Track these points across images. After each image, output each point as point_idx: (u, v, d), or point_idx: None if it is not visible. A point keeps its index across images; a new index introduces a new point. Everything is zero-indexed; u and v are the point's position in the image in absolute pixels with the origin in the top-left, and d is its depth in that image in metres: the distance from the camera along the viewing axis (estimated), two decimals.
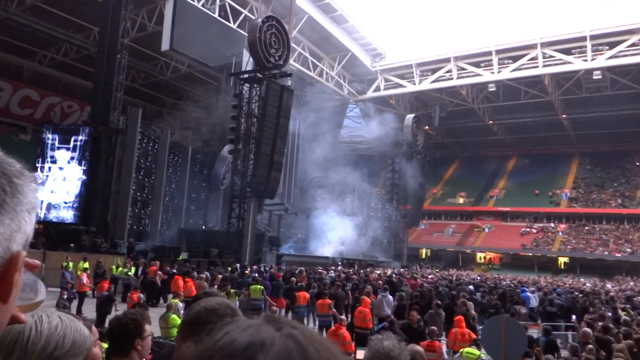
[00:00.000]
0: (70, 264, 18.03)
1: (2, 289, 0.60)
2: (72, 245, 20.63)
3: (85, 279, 15.80)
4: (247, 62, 30.34)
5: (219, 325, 1.58)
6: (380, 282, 18.80)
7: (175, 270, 18.43)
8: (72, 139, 25.16)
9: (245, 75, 29.84)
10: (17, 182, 0.62)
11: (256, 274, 17.75)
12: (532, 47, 44.89)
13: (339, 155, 49.10)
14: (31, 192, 0.64)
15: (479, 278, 29.89)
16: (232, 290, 13.67)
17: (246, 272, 20.03)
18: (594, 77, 44.58)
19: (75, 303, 14.65)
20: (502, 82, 48.41)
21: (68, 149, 24.95)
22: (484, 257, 57.12)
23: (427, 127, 56.12)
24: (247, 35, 30.02)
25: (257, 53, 28.19)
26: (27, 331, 1.17)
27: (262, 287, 14.68)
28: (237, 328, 0.58)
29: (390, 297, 14.18)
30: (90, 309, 13.82)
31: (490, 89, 49.14)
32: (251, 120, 29.62)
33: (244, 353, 0.53)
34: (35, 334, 1.18)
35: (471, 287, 20.23)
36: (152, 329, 2.75)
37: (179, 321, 8.52)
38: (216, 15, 33.71)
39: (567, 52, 43.77)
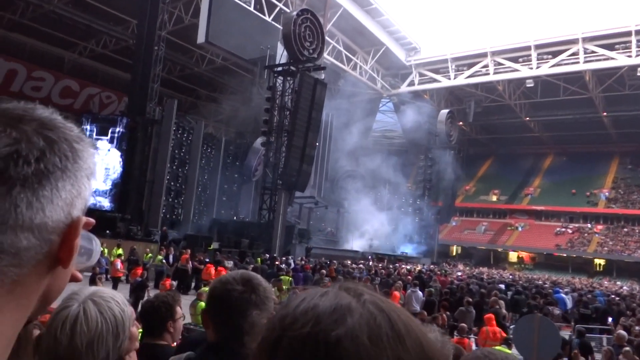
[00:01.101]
0: (105, 250, 18.45)
1: (63, 253, 0.61)
2: (107, 231, 21.12)
3: (119, 264, 16.14)
4: (282, 55, 30.48)
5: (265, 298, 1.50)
6: (409, 277, 18.69)
7: (207, 260, 18.68)
8: (110, 129, 25.74)
9: (279, 68, 29.96)
10: (77, 148, 0.62)
11: (284, 265, 18.18)
12: (574, 42, 43.63)
13: (371, 150, 48.95)
14: (90, 157, 0.64)
15: (510, 277, 29.52)
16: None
17: (276, 262, 20.26)
18: (639, 74, 43.03)
19: (109, 286, 14.95)
20: (540, 78, 47.30)
21: (106, 139, 25.55)
22: (517, 257, 56.32)
23: (461, 123, 55.41)
24: (281, 28, 30.15)
25: (291, 46, 28.27)
26: (75, 317, 1.25)
27: (290, 278, 14.78)
28: (313, 294, 0.56)
29: (420, 293, 14.13)
30: (124, 294, 14.00)
31: (527, 85, 48.14)
32: (284, 113, 29.71)
33: (330, 316, 0.52)
34: (83, 322, 1.24)
35: (502, 285, 19.96)
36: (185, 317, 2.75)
37: None
38: (251, 8, 33.81)
39: (610, 47, 42.36)
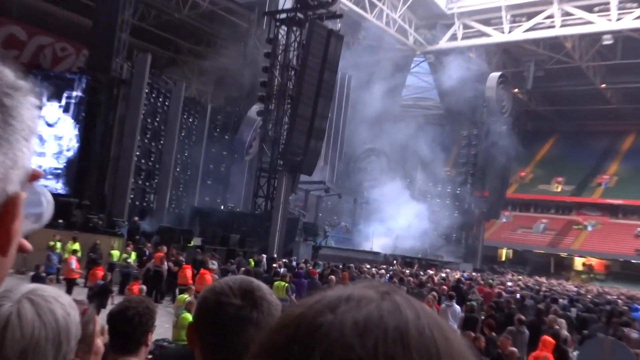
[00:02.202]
0: (58, 244, 18.55)
1: (0, 239, 0.61)
2: (60, 221, 21.15)
3: (74, 263, 16.22)
4: None
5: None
6: (444, 287, 18.73)
7: (184, 259, 18.86)
8: (65, 92, 25.79)
9: (283, 16, 29.96)
10: (8, 105, 0.59)
11: (283, 270, 18.05)
12: None
13: (399, 124, 48.99)
14: (28, 112, 0.61)
15: (576, 290, 29.50)
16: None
17: (274, 265, 20.34)
18: None
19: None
20: (621, 33, 46.82)
21: (60, 104, 25.64)
22: (584, 264, 56.29)
23: (516, 90, 55.08)
24: None
25: None
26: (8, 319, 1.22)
27: (286, 285, 14.73)
28: (332, 289, 0.63)
29: (457, 308, 14.15)
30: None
31: (605, 42, 47.57)
32: (288, 74, 29.68)
33: (327, 304, 0.58)
34: (16, 326, 1.22)
35: (565, 300, 19.94)
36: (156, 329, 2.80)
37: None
38: None
39: None
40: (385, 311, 0.56)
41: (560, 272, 54.46)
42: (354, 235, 43.15)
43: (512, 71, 53.17)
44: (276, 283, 14.85)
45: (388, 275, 23.26)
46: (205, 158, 35.67)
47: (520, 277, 40.27)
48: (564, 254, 56.54)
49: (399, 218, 42.52)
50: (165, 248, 19.03)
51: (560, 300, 19.69)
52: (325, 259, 28.96)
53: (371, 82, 43.20)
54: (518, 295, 20.26)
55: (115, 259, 19.11)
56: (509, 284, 27.13)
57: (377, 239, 41.49)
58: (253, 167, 33.82)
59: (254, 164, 33.65)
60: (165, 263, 18.04)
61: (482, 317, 13.85)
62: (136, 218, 25.63)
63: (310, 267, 21.33)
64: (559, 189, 63.47)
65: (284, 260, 23.70)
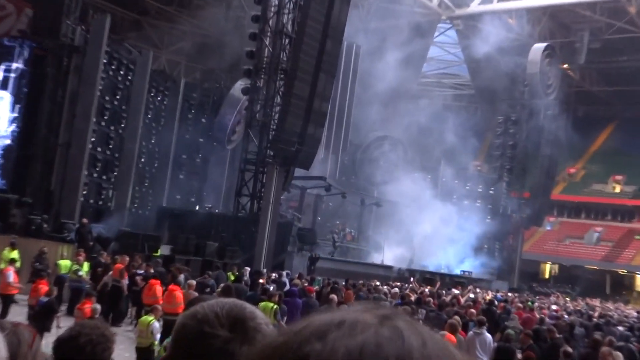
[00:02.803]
0: None
1: None
2: None
3: (11, 275, 16.06)
4: None
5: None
6: (473, 311, 18.54)
7: (153, 272, 18.80)
8: (2, 63, 25.59)
9: None
10: None
11: (272, 287, 18.02)
12: None
13: (419, 106, 48.64)
14: None
15: (637, 316, 29.53)
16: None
17: (260, 281, 20.27)
18: None
19: None
20: None
21: None
22: None
23: (566, 66, 55.18)
24: None
25: None
26: None
27: (275, 306, 14.63)
28: (328, 311, 0.64)
29: (489, 337, 14.10)
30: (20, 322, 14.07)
31: None
32: (281, 42, 29.63)
33: (315, 331, 0.59)
34: None
35: (623, 328, 19.94)
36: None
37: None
38: None
39: None
40: (384, 338, 0.56)
41: (618, 294, 54.07)
42: (361, 245, 43.31)
43: (561, 42, 53.14)
44: (262, 304, 14.52)
45: (403, 294, 23.16)
46: (177, 146, 35.63)
47: (567, 299, 40.70)
48: (622, 271, 56.33)
49: (417, 224, 42.44)
50: (126, 258, 18.94)
51: (618, 328, 19.70)
52: (324, 274, 28.85)
53: (385, 54, 43.05)
54: (565, 322, 20.13)
55: (63, 270, 18.89)
56: (554, 307, 27.12)
57: (389, 250, 41.49)
58: (236, 159, 33.80)
59: (237, 155, 33.63)
60: (126, 277, 17.93)
61: (520, 349, 13.81)
62: (85, 220, 25.14)
63: (306, 284, 21.14)
64: (618, 190, 63.34)
65: (273, 274, 23.67)
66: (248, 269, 23.11)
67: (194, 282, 16.30)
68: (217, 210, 35.32)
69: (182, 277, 17.05)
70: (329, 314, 0.61)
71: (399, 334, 0.57)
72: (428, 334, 0.59)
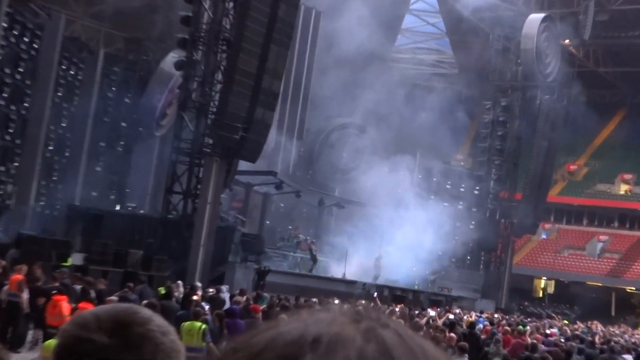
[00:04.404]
0: None
1: None
2: None
3: None
4: None
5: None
6: (452, 335, 18.69)
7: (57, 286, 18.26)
8: None
9: None
10: None
11: (207, 306, 18.27)
12: None
13: (392, 88, 48.74)
14: None
15: None
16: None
17: (194, 298, 20.16)
18: None
19: None
20: None
21: None
22: None
23: (567, 42, 55.62)
24: None
25: None
26: None
27: (202, 326, 14.73)
28: (294, 319, 0.63)
29: None
30: None
31: None
32: (223, 6, 29.71)
33: (282, 355, 0.57)
34: None
35: (630, 357, 20.12)
36: None
37: None
38: None
39: None
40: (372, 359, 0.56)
41: (624, 315, 54.17)
42: (319, 254, 42.61)
43: (561, 13, 53.66)
44: (187, 324, 14.88)
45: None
46: (93, 131, 35.59)
47: (565, 321, 41.33)
48: (631, 289, 56.75)
49: (387, 230, 42.98)
50: (24, 268, 18.60)
51: (624, 357, 19.80)
52: (273, 290, 29.02)
53: (350, 21, 42.72)
54: (561, 348, 20.17)
55: None
56: (549, 331, 27.33)
57: (353, 261, 41.55)
58: (167, 148, 33.85)
59: (168, 143, 33.71)
60: (26, 290, 17.65)
61: None
62: None
63: (251, 302, 21.24)
64: (624, 191, 64.07)
65: (210, 290, 23.65)
66: (180, 283, 23.37)
67: (112, 299, 16.18)
68: (142, 211, 35.40)
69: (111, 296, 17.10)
70: (298, 326, 0.59)
71: (387, 352, 0.56)
72: (420, 347, 0.58)
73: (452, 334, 19.02)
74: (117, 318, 1.52)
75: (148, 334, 1.51)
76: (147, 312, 1.58)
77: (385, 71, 50.78)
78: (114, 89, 37.13)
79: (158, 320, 1.57)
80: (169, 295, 20.31)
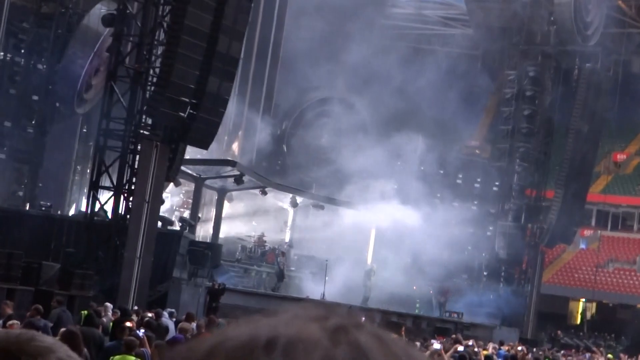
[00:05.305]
0: None
1: None
2: None
3: None
4: None
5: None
6: None
7: None
8: None
9: None
10: None
11: (142, 332, 18.59)
12: None
13: (386, 52, 48.04)
14: None
15: None
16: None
17: (127, 324, 19.66)
18: None
19: None
20: None
21: None
22: None
23: None
24: None
25: None
26: None
27: None
28: (245, 321, 0.63)
29: None
30: None
31: None
32: None
33: (229, 356, 0.57)
34: None
35: None
36: None
37: None
38: None
39: None
40: None
41: None
42: (290, 269, 42.36)
43: None
44: (117, 358, 15.67)
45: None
46: None
47: (610, 355, 40.62)
48: None
49: (379, 237, 42.45)
50: None
51: None
52: (229, 315, 29.08)
53: None
54: None
55: None
56: None
57: (336, 277, 40.75)
58: (92, 129, 33.90)
59: (94, 122, 32.51)
60: None
61: None
62: None
63: (203, 330, 21.71)
64: None
65: (148, 314, 23.63)
66: (109, 305, 24.29)
67: (14, 323, 16.85)
68: (59, 212, 34.29)
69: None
70: (248, 328, 0.59)
71: (363, 356, 0.55)
72: (403, 351, 0.58)
73: None
74: (3, 347, 1.40)
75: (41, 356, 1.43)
76: (47, 341, 1.44)
77: (379, 31, 48.91)
78: (22, 51, 35.96)
79: (62, 352, 1.42)
80: (93, 321, 20.35)
